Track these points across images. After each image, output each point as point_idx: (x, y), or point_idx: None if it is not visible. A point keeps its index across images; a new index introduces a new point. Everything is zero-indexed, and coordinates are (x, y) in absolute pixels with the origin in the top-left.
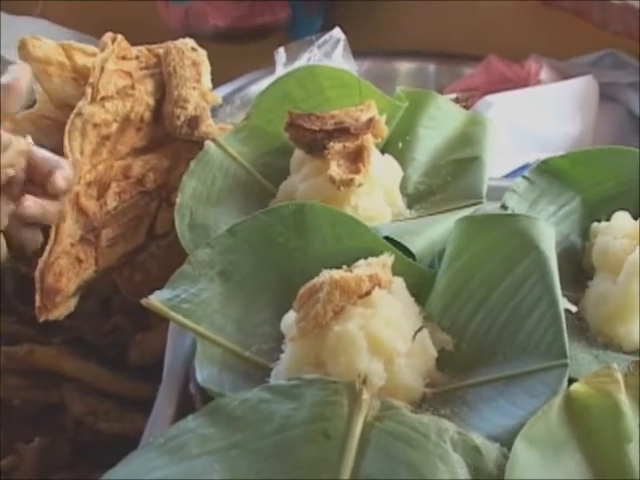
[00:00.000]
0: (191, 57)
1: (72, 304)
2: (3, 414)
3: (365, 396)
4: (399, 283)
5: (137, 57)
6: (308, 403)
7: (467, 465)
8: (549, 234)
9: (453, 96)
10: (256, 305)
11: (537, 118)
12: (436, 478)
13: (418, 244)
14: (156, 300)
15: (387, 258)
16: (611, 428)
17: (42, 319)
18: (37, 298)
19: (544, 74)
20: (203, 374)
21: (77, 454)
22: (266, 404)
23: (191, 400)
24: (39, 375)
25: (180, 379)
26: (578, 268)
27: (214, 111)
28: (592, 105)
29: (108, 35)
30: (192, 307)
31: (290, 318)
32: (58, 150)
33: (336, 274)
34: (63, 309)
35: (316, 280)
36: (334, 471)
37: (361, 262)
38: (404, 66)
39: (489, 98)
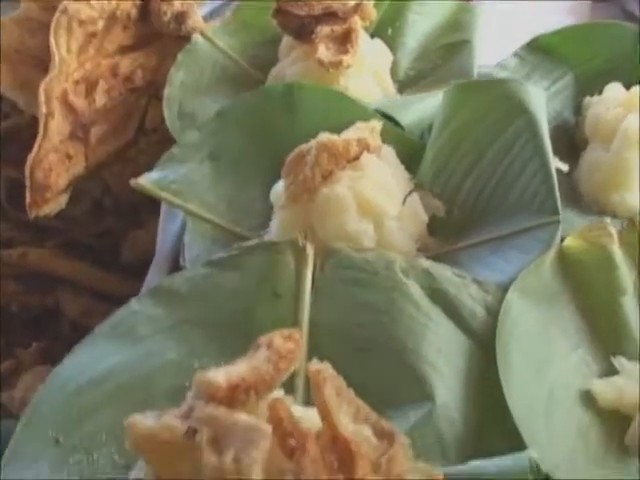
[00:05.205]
0: None
1: (63, 201)
2: (2, 321)
3: (309, 251)
4: (388, 150)
5: None
6: (253, 268)
7: (422, 288)
8: (539, 98)
9: None
10: (246, 183)
11: (530, 12)
12: (395, 308)
13: (407, 117)
14: (145, 181)
15: (376, 123)
16: (605, 281)
17: (33, 215)
18: (27, 194)
19: None
20: (193, 251)
21: None
22: (211, 278)
23: None
24: (34, 279)
25: (171, 257)
26: (571, 144)
27: None
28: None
29: None
30: (182, 187)
31: (279, 187)
32: (44, 50)
33: (324, 137)
34: (54, 205)
35: (304, 146)
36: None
37: (349, 128)
38: None
39: None
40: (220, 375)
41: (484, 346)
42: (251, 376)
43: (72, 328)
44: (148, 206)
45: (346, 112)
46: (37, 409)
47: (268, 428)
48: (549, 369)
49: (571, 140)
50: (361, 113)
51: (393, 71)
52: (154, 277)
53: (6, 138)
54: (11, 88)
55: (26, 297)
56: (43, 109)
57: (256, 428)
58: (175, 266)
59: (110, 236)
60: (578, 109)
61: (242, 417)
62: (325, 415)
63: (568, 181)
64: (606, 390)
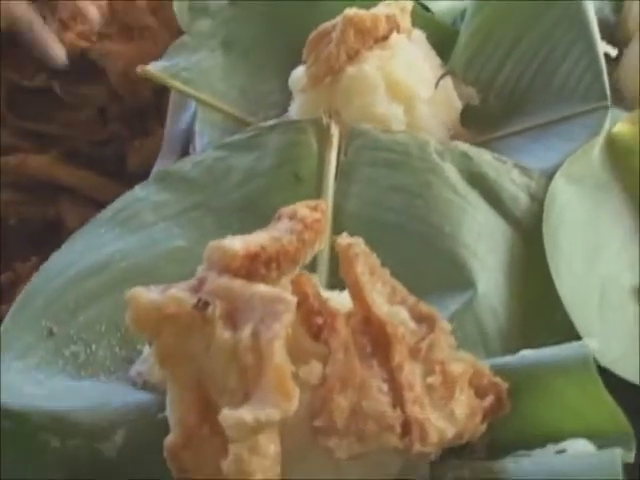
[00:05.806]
0: None
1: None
2: (1, 234)
3: (334, 131)
4: (419, 34)
5: None
6: (271, 149)
7: (459, 172)
8: None
9: None
10: (262, 74)
11: None
12: (430, 192)
13: (438, 4)
14: (154, 69)
15: (406, 2)
16: None
17: None
18: None
19: None
20: (203, 140)
21: None
22: (223, 161)
23: None
24: (34, 188)
25: (180, 147)
26: (612, 42)
27: None
28: None
29: None
30: (192, 75)
31: (299, 72)
32: None
33: (350, 12)
34: None
35: (328, 23)
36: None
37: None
38: None
39: None
40: (237, 243)
41: (528, 235)
42: (272, 246)
43: None
44: (155, 112)
45: None
46: (29, 298)
47: (293, 299)
48: (601, 261)
49: (611, 38)
50: None
51: None
52: (162, 165)
53: (7, 40)
54: None
55: (26, 207)
56: None
57: (279, 299)
58: (184, 156)
59: (115, 144)
60: (618, 7)
61: (261, 287)
62: (357, 294)
63: (609, 79)
64: None
